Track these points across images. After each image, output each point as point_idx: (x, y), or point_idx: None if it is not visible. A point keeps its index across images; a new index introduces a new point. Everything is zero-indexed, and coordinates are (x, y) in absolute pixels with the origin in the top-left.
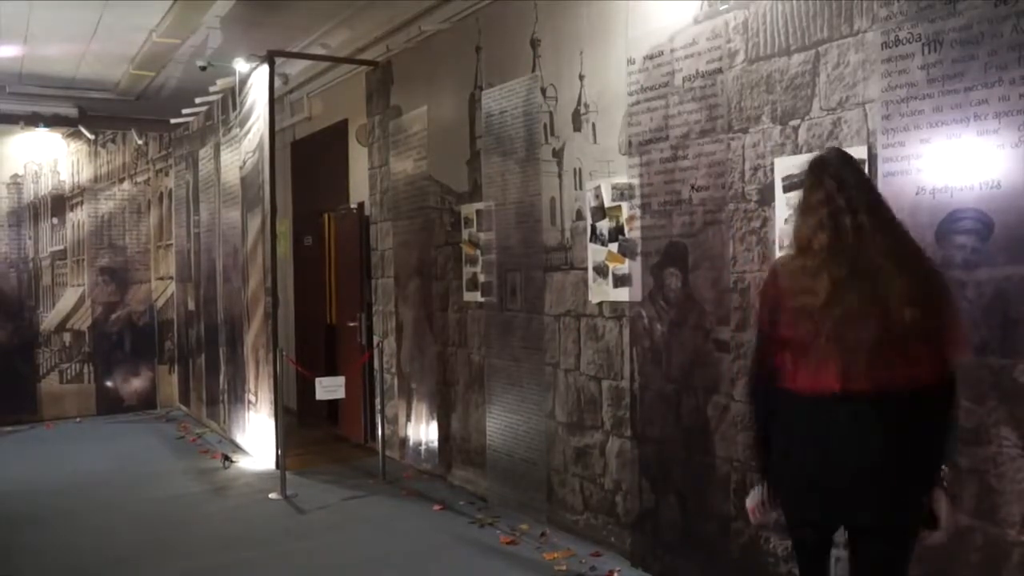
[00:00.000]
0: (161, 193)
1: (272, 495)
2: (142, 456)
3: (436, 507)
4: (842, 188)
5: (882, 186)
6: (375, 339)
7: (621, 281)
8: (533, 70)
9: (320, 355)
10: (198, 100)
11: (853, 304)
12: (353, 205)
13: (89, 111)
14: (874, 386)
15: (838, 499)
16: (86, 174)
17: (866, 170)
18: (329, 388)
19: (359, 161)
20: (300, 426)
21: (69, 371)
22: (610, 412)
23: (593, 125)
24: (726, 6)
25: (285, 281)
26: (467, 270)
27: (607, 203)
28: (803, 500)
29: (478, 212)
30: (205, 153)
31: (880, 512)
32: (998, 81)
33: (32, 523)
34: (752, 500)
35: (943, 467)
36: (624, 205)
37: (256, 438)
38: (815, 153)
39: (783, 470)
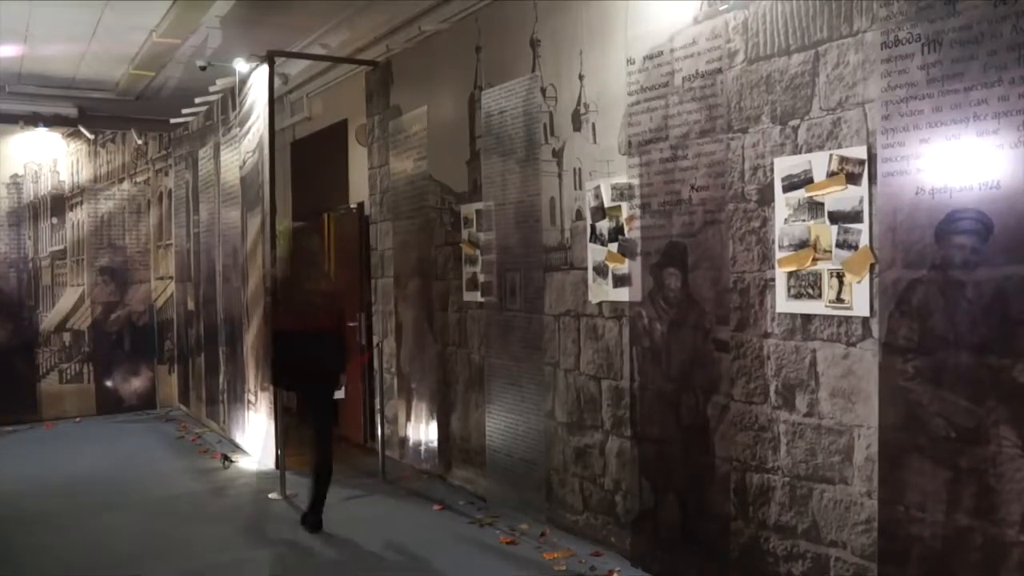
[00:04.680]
0: (161, 193)
1: (272, 495)
2: (142, 456)
3: (436, 507)
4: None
5: (881, 186)
6: (375, 339)
7: (621, 281)
8: (533, 70)
9: None
10: (198, 100)
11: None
12: (353, 205)
13: (89, 111)
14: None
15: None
16: (86, 174)
17: (865, 169)
18: None
19: (359, 161)
20: (300, 426)
21: (69, 371)
22: (610, 412)
23: (593, 125)
24: (726, 6)
25: None
26: (467, 270)
27: (607, 203)
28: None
29: (478, 212)
30: (205, 153)
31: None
32: (997, 81)
33: (32, 523)
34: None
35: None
36: (624, 205)
37: (256, 438)
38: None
39: None
